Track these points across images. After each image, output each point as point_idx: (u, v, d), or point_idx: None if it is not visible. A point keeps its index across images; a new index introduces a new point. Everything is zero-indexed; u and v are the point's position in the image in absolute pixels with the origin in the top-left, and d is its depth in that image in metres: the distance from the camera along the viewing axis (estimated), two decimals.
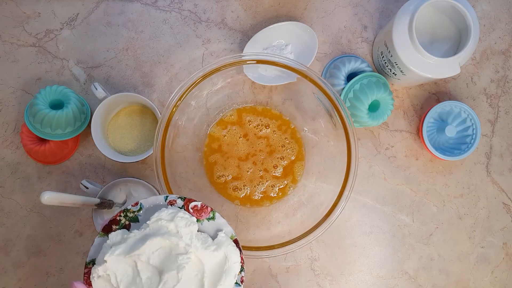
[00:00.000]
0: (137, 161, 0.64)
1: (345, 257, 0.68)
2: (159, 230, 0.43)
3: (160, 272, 0.43)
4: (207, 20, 0.70)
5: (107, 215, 0.64)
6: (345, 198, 0.55)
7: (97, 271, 0.42)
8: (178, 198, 0.46)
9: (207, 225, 0.46)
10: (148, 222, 0.44)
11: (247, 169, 0.66)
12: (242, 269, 0.46)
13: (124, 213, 0.45)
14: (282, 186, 0.67)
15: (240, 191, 0.66)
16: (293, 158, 0.67)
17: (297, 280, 0.67)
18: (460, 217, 0.69)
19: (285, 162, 0.67)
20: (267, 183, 0.66)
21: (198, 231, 0.45)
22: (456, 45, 0.61)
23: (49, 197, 0.49)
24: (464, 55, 0.58)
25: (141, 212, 0.46)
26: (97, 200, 0.58)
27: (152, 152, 0.62)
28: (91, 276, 0.42)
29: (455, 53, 0.58)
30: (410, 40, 0.58)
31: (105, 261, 0.42)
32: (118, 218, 0.45)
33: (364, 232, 0.68)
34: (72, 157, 0.67)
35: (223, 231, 0.46)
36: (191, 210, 0.46)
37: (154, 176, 0.63)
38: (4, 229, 0.66)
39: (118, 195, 0.65)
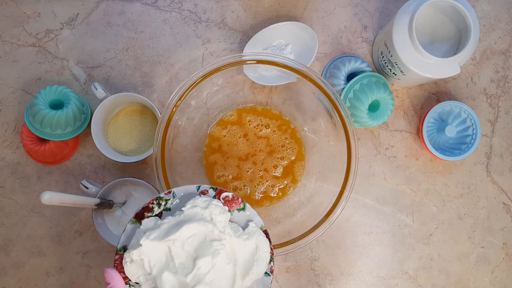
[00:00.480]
0: (137, 161, 0.64)
1: (345, 257, 0.68)
2: (194, 216, 0.44)
3: (194, 258, 0.43)
4: (207, 20, 0.70)
5: (107, 215, 0.64)
6: (345, 198, 0.55)
7: (131, 255, 0.42)
8: (210, 188, 0.47)
9: (237, 215, 0.47)
10: (183, 208, 0.44)
11: (247, 169, 0.66)
12: (271, 260, 0.46)
13: (157, 200, 0.46)
14: (282, 186, 0.67)
15: (240, 191, 0.66)
16: (293, 158, 0.67)
17: (297, 280, 0.67)
18: (460, 217, 0.69)
19: (285, 162, 0.67)
20: (267, 183, 0.66)
21: (229, 221, 0.46)
22: (456, 45, 0.61)
23: (49, 197, 0.49)
24: (464, 55, 0.58)
25: (174, 200, 0.46)
26: (97, 200, 0.58)
27: (152, 152, 0.62)
28: (123, 261, 0.42)
29: (455, 53, 0.58)
30: (410, 40, 0.58)
31: (141, 245, 0.41)
32: (151, 205, 0.45)
33: (364, 232, 0.68)
34: (72, 157, 0.67)
35: (253, 221, 0.47)
36: (222, 201, 0.47)
37: (154, 176, 0.63)
38: (4, 229, 0.66)
39: (118, 195, 0.65)
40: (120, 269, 0.43)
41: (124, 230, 0.44)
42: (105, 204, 0.60)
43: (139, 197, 0.64)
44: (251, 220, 0.47)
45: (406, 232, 0.68)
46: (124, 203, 0.64)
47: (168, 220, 0.44)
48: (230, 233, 0.45)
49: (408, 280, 0.68)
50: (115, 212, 0.64)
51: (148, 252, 0.42)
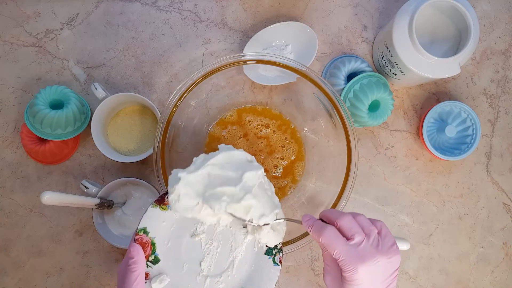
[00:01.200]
0: (137, 161, 0.64)
1: None
2: (228, 148, 0.46)
3: (239, 175, 0.44)
4: (207, 20, 0.70)
5: (107, 215, 0.64)
6: (345, 198, 0.55)
7: (178, 191, 0.43)
8: None
9: None
10: (218, 146, 0.47)
11: None
12: (280, 250, 0.47)
13: None
14: (282, 186, 0.67)
15: None
16: (293, 158, 0.67)
17: (297, 280, 0.67)
18: (460, 217, 0.69)
19: (285, 162, 0.67)
20: None
21: None
22: (456, 45, 0.61)
23: (49, 197, 0.49)
24: (464, 55, 0.58)
25: None
26: (97, 200, 0.58)
27: (152, 152, 0.62)
28: (171, 202, 0.43)
29: (455, 53, 0.58)
30: (410, 40, 0.58)
31: (180, 178, 0.42)
32: None
33: None
34: (72, 157, 0.67)
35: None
36: None
37: (154, 176, 0.63)
38: (4, 229, 0.66)
39: (118, 195, 0.65)
40: None
41: (145, 212, 0.45)
42: (105, 204, 0.60)
43: (139, 197, 0.64)
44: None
45: (406, 232, 0.68)
46: (124, 203, 0.64)
47: (203, 157, 0.45)
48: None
49: (408, 280, 0.68)
50: (115, 212, 0.64)
51: (191, 183, 0.43)
